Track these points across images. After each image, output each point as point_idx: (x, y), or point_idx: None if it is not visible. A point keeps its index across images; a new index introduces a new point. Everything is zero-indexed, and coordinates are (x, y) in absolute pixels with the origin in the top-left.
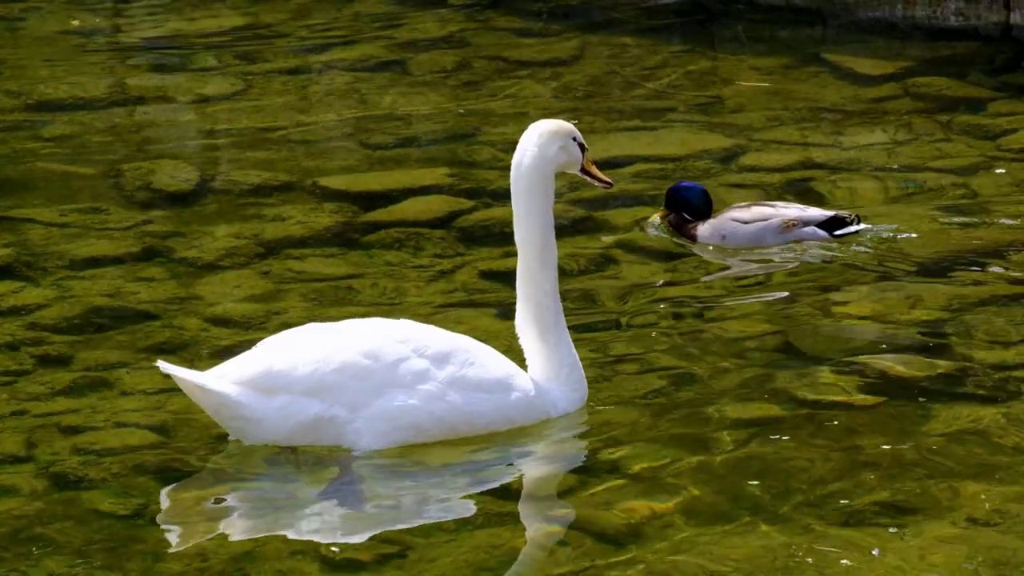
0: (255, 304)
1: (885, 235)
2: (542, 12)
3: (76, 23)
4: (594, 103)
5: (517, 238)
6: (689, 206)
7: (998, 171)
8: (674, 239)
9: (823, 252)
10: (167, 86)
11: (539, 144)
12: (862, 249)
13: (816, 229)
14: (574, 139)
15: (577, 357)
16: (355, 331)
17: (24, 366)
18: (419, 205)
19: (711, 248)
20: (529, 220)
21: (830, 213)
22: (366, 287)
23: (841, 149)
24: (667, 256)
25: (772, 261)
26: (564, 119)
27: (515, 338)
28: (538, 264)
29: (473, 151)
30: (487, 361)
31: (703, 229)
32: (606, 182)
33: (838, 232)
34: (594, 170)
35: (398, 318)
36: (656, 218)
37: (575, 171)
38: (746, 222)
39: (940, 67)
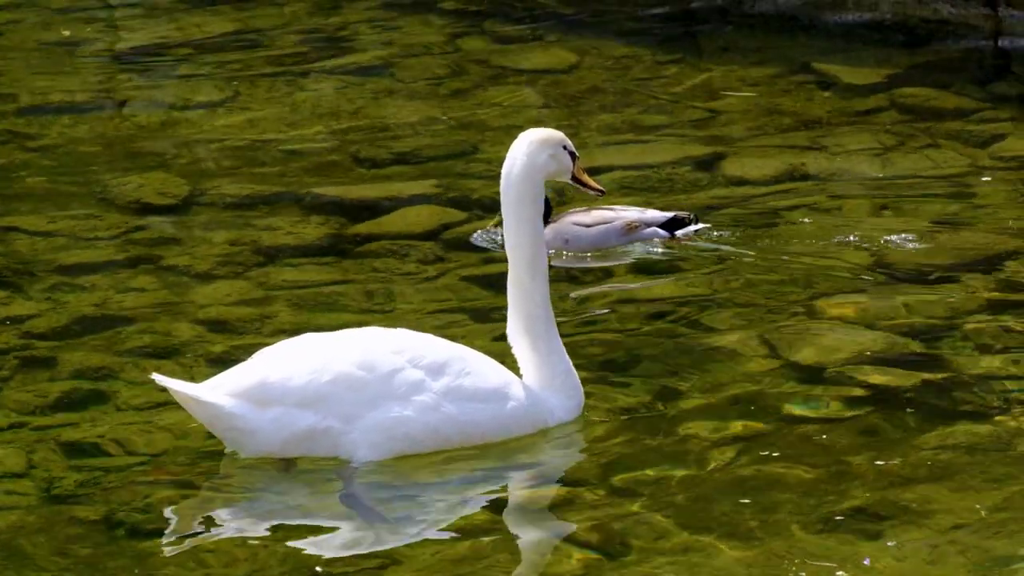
0: (246, 312)
1: (720, 234)
2: (524, 17)
3: (67, 34)
4: (583, 112)
5: (507, 247)
6: None
7: (984, 178)
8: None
9: (667, 251)
10: (156, 95)
11: (528, 153)
12: (706, 246)
13: (657, 229)
14: (564, 147)
15: (571, 364)
16: (350, 342)
17: (13, 376)
18: (409, 215)
19: (552, 252)
20: (519, 229)
21: (669, 214)
22: (357, 296)
23: (828, 158)
24: (651, 263)
25: (752, 266)
26: (553, 127)
27: (508, 347)
28: (528, 273)
29: (463, 161)
30: (483, 371)
31: (545, 234)
32: (598, 190)
33: (678, 232)
34: (585, 178)
35: (394, 327)
36: (491, 226)
37: (566, 179)
38: (588, 225)
39: (927, 75)
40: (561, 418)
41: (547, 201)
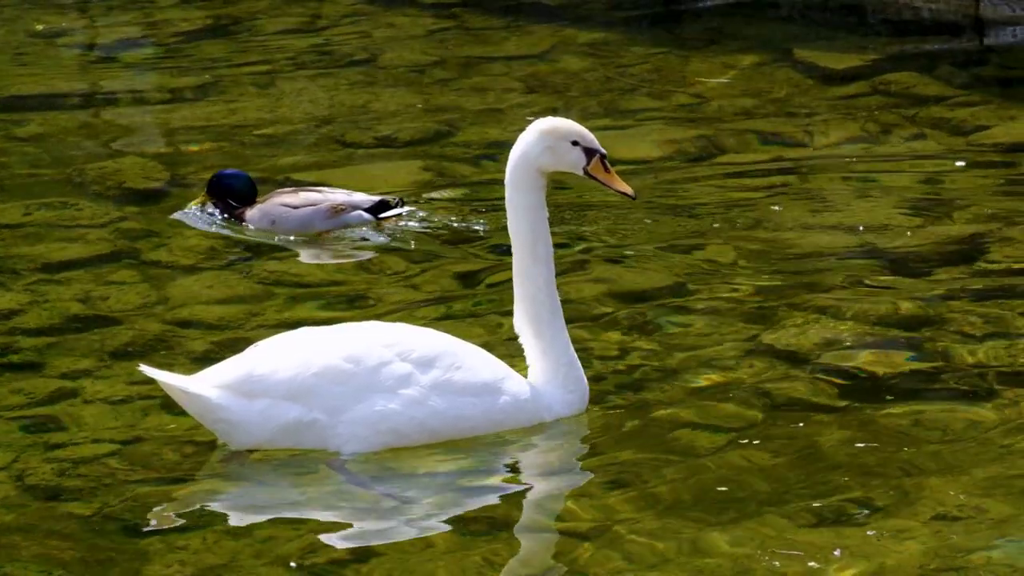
0: (229, 305)
1: (422, 216)
2: (505, 6)
3: (41, 27)
4: (566, 100)
5: (509, 231)
6: (233, 193)
7: (958, 163)
8: (224, 223)
9: (372, 235)
10: (136, 85)
11: (527, 142)
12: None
13: (362, 213)
14: (576, 143)
15: (575, 356)
16: (342, 335)
17: None
18: None
19: (253, 229)
20: (517, 214)
21: (376, 198)
22: (344, 287)
23: (811, 146)
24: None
25: (734, 253)
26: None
27: (498, 339)
28: (530, 258)
29: (446, 149)
30: (475, 365)
31: (252, 213)
32: (623, 192)
33: (383, 215)
34: (603, 176)
35: (379, 318)
36: (194, 205)
37: (577, 173)
38: (295, 207)
39: (909, 62)
40: (560, 413)
41: (252, 183)
